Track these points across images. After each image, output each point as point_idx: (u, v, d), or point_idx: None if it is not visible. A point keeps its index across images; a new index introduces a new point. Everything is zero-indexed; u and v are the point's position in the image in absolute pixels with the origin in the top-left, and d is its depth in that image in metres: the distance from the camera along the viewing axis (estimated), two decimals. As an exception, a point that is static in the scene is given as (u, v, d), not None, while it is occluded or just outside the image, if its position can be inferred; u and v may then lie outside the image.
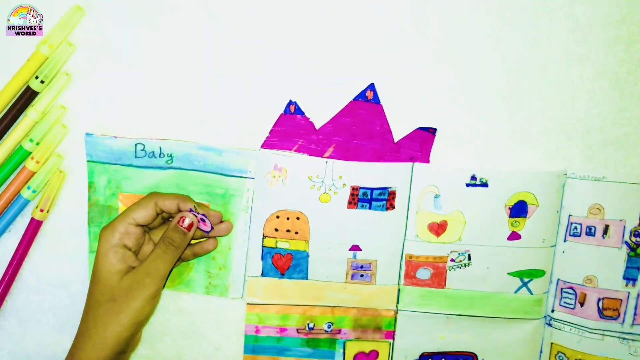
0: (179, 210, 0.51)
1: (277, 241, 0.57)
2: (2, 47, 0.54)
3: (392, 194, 0.56)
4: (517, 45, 0.55)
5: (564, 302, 0.59)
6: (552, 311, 0.60)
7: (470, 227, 0.57)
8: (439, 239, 0.58)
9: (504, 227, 0.57)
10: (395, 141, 0.56)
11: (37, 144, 0.54)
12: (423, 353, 0.60)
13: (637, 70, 0.55)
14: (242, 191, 0.56)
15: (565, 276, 0.58)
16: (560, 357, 0.60)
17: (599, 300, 0.58)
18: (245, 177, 0.56)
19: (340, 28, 0.55)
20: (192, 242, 0.55)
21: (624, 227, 0.56)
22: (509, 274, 0.58)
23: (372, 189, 0.56)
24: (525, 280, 0.58)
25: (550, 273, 0.59)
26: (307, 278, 0.58)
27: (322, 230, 0.57)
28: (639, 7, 0.55)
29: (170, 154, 0.55)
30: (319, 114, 0.56)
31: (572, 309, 0.58)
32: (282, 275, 0.58)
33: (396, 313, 0.59)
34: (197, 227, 0.52)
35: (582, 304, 0.58)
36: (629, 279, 0.57)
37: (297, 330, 0.59)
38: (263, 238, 0.57)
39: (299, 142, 0.56)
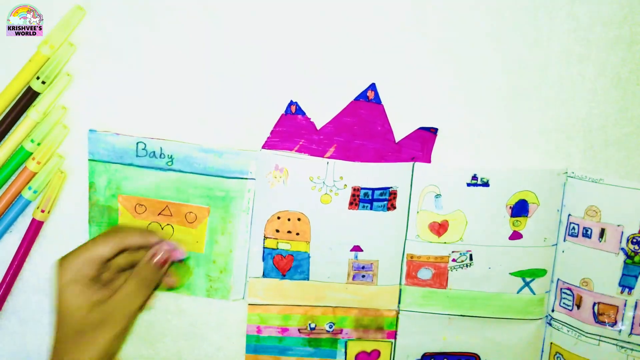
0: (148, 245, 0.49)
1: (278, 242, 0.57)
2: (2, 47, 0.54)
3: (393, 194, 0.56)
4: (517, 45, 0.55)
5: (563, 303, 0.59)
6: (552, 311, 0.60)
7: (471, 227, 0.57)
8: (440, 239, 0.58)
9: (506, 227, 0.57)
10: (397, 141, 0.56)
11: (38, 144, 0.54)
12: (425, 353, 0.60)
13: (639, 69, 0.55)
14: (243, 192, 0.56)
15: (564, 276, 0.58)
16: (559, 358, 0.60)
17: (594, 304, 0.57)
18: (246, 178, 0.56)
19: (341, 28, 0.55)
20: None
21: (622, 233, 0.55)
22: (511, 273, 0.58)
23: (373, 189, 0.56)
24: (528, 280, 0.58)
25: (552, 272, 0.59)
26: (308, 279, 0.58)
27: (323, 231, 0.57)
28: (640, 6, 0.55)
29: (171, 156, 0.55)
30: (320, 114, 0.56)
31: (570, 310, 0.58)
32: (284, 276, 0.58)
33: (398, 313, 0.59)
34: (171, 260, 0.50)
35: (578, 306, 0.58)
36: (624, 286, 0.56)
37: (299, 330, 0.59)
38: (264, 239, 0.57)
39: (300, 143, 0.56)
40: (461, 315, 0.59)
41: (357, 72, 0.55)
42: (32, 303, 0.58)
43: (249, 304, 0.58)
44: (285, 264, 0.58)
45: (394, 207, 0.57)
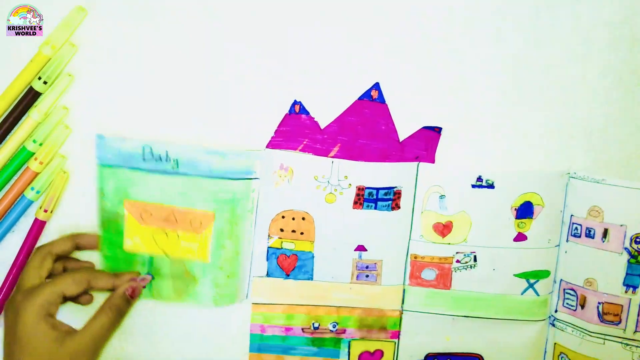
0: (114, 287, 0.52)
1: (282, 242, 0.57)
2: (3, 47, 0.53)
3: (398, 194, 0.56)
4: (519, 46, 0.55)
5: (567, 303, 0.59)
6: (556, 311, 0.60)
7: (476, 229, 0.57)
8: (444, 240, 0.58)
9: (510, 229, 0.57)
10: (401, 140, 0.56)
11: (40, 144, 0.53)
12: (428, 354, 0.60)
13: (640, 70, 0.55)
14: (248, 192, 0.56)
15: (567, 277, 0.59)
16: (563, 358, 0.60)
17: (599, 304, 0.57)
18: (250, 179, 0.55)
19: (344, 27, 0.54)
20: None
21: (625, 233, 0.56)
22: (515, 275, 0.58)
23: (377, 189, 0.56)
24: (532, 281, 0.59)
25: (555, 273, 0.59)
26: (312, 279, 0.58)
27: (327, 230, 0.57)
28: (642, 7, 0.55)
29: (176, 160, 0.54)
30: (324, 114, 0.56)
31: (574, 310, 0.59)
32: (287, 276, 0.58)
33: (401, 313, 0.59)
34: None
35: (582, 306, 0.58)
36: (629, 285, 0.56)
37: (303, 329, 0.59)
38: (268, 238, 0.57)
39: (304, 142, 0.56)
40: (465, 316, 0.59)
41: (360, 72, 0.55)
42: (34, 302, 0.57)
43: (253, 303, 0.58)
44: (289, 264, 0.58)
45: (399, 207, 0.57)
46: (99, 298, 0.55)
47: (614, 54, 0.55)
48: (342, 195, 0.56)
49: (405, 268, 0.58)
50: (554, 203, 0.57)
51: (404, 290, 0.59)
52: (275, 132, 0.55)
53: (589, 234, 0.57)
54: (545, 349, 0.61)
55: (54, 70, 0.52)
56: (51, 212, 0.55)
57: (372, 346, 0.60)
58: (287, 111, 0.55)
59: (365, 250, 0.57)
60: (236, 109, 0.55)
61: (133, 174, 0.54)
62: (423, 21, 0.54)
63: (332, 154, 0.56)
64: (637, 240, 0.55)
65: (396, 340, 0.60)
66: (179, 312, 0.58)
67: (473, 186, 0.56)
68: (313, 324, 0.59)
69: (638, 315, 0.56)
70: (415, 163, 0.56)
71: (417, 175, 0.57)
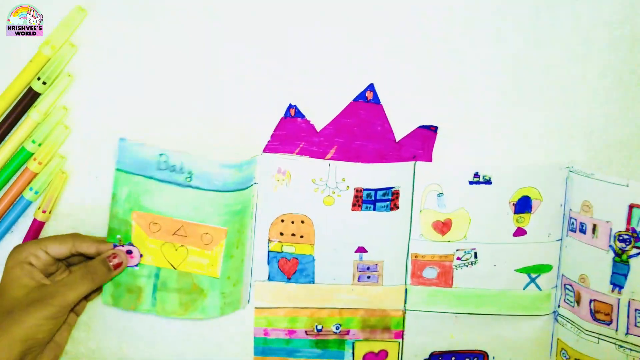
0: (98, 253, 0.51)
1: (282, 245, 0.57)
2: (3, 47, 0.53)
3: (396, 194, 0.56)
4: (518, 45, 0.55)
5: (567, 299, 0.59)
6: (558, 306, 0.60)
7: (475, 225, 0.57)
8: (444, 238, 0.58)
9: (509, 224, 0.57)
10: (397, 140, 0.56)
11: (40, 145, 0.53)
12: (433, 352, 0.60)
13: (640, 69, 0.55)
14: (251, 198, 0.55)
15: (567, 272, 0.58)
16: (564, 354, 0.59)
17: (590, 301, 0.56)
18: (251, 185, 0.55)
19: (344, 27, 0.54)
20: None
21: (610, 229, 0.54)
22: (516, 270, 0.58)
23: (375, 190, 0.56)
24: (533, 275, 0.58)
25: (558, 267, 0.59)
26: (313, 282, 0.58)
27: (327, 233, 0.57)
28: (641, 6, 0.55)
29: (190, 172, 0.53)
30: (320, 116, 0.56)
31: (572, 307, 0.58)
32: (289, 280, 0.58)
33: (404, 313, 0.59)
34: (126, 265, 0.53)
35: (578, 303, 0.57)
36: (615, 284, 0.54)
37: (306, 332, 0.59)
38: (268, 242, 0.57)
39: (301, 145, 0.56)
40: (468, 314, 0.59)
41: (355, 73, 0.55)
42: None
43: (256, 307, 0.58)
44: (290, 268, 0.58)
45: (397, 207, 0.57)
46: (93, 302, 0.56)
47: (614, 54, 0.55)
48: (340, 198, 0.56)
49: (406, 267, 0.58)
50: (553, 197, 0.57)
51: (406, 290, 0.59)
52: (272, 136, 0.56)
53: (582, 229, 0.56)
54: (552, 344, 0.60)
55: (54, 70, 0.52)
56: (50, 212, 0.55)
57: (376, 347, 0.60)
58: (282, 115, 0.55)
59: (366, 251, 0.57)
60: (234, 110, 0.55)
61: (147, 182, 0.53)
62: (423, 21, 0.55)
63: (329, 156, 0.56)
64: (621, 238, 0.53)
65: (400, 340, 0.60)
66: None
67: (470, 183, 0.56)
68: (316, 326, 0.59)
69: (628, 317, 0.54)
70: (412, 162, 0.56)
71: (414, 174, 0.57)
